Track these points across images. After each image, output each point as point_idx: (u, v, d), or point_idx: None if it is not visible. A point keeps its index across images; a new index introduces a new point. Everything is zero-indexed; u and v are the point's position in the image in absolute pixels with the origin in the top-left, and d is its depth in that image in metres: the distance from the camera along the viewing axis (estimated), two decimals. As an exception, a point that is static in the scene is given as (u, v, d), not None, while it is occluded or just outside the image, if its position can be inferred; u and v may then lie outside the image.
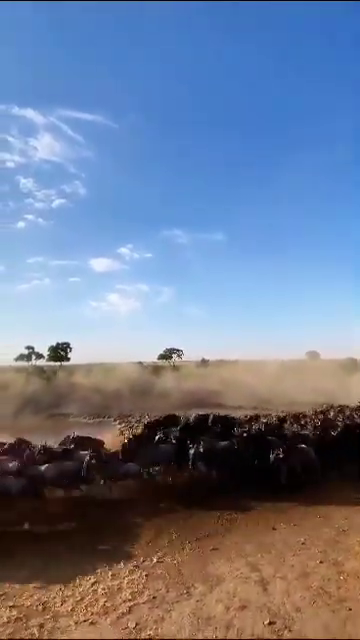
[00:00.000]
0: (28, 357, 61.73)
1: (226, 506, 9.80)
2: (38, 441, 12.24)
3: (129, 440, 13.46)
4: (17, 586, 6.61)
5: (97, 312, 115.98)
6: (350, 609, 5.72)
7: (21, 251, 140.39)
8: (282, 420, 15.76)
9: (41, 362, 61.70)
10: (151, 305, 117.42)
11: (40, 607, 6.00)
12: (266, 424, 14.43)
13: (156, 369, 56.68)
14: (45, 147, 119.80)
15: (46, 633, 5.39)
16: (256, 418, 16.12)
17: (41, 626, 5.53)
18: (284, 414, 18.01)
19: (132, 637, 5.26)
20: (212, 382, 43.28)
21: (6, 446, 12.05)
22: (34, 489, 9.72)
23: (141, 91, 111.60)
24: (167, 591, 6.34)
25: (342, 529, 8.54)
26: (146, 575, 6.85)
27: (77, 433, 14.57)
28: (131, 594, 6.26)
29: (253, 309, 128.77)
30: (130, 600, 6.10)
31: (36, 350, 62.21)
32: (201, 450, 11.35)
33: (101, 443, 13.67)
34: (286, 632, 5.25)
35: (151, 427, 14.62)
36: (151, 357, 68.01)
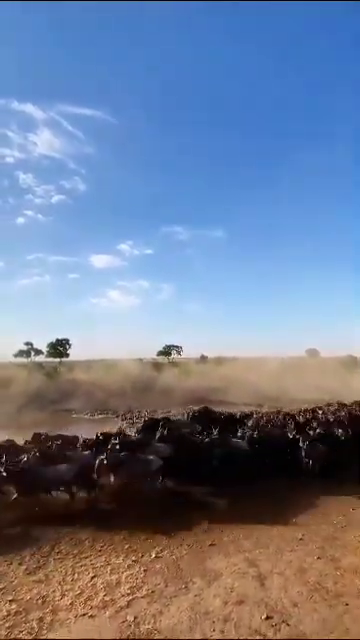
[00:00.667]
0: (27, 353, 61.82)
1: (224, 502, 9.86)
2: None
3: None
4: (17, 580, 6.68)
5: (97, 308, 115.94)
6: (347, 604, 5.78)
7: (20, 247, 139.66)
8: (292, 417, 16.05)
9: (40, 358, 61.79)
10: (151, 302, 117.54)
11: (40, 601, 6.06)
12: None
13: (156, 365, 56.81)
14: (45, 142, 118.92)
15: (45, 626, 5.45)
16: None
17: (40, 620, 5.58)
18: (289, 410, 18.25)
19: (130, 630, 5.30)
20: (215, 379, 43.44)
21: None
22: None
23: (141, 88, 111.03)
24: (165, 586, 6.40)
25: (340, 525, 8.60)
26: (145, 570, 6.90)
27: (45, 431, 14.72)
28: (130, 588, 6.32)
29: (253, 306, 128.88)
30: (129, 594, 6.16)
31: (35, 346, 62.33)
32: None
33: (75, 440, 13.48)
34: (283, 626, 5.30)
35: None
36: (150, 354, 68.09)
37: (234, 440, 12.49)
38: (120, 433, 13.98)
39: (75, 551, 7.64)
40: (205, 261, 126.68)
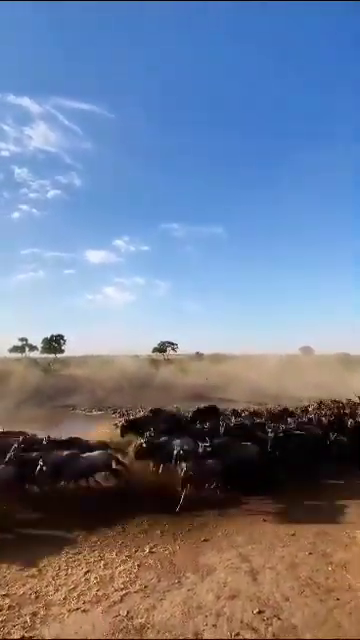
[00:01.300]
0: (21, 349, 61.59)
1: (217, 498, 9.91)
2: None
3: None
4: (10, 575, 6.68)
5: (92, 305, 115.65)
6: (338, 599, 5.85)
7: (15, 242, 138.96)
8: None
9: (35, 354, 61.59)
10: (147, 298, 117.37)
11: (33, 596, 6.07)
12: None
13: (153, 362, 56.82)
14: (40, 136, 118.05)
15: (38, 621, 5.46)
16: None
17: (34, 614, 5.60)
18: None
19: (124, 625, 5.34)
20: (212, 376, 43.53)
21: None
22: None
23: (139, 84, 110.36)
24: (159, 580, 6.44)
25: (331, 521, 8.69)
26: (138, 565, 6.94)
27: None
28: (123, 583, 6.35)
29: (248, 304, 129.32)
30: (122, 589, 6.19)
31: (30, 342, 62.09)
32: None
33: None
34: (275, 620, 5.36)
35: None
36: (146, 350, 68.07)
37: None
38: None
39: (68, 546, 7.66)
40: (202, 258, 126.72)
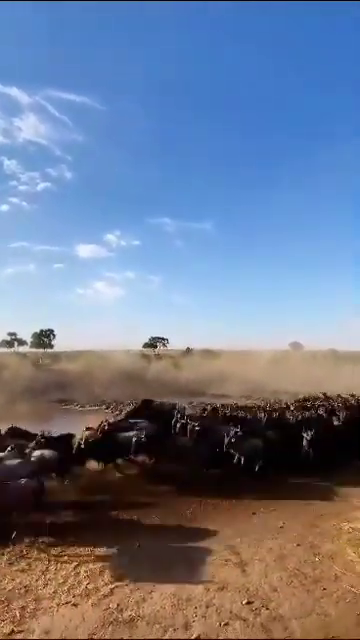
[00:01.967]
0: (10, 343, 60.99)
1: (207, 492, 10.00)
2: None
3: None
4: (-1, 570, 6.65)
5: (83, 300, 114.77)
6: (324, 589, 5.97)
7: (4, 235, 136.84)
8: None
9: (24, 349, 61.08)
10: (138, 293, 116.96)
11: (22, 590, 6.05)
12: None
13: (146, 357, 56.78)
14: (30, 128, 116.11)
15: (28, 615, 5.46)
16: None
17: (23, 608, 5.59)
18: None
19: (113, 617, 5.36)
20: (206, 372, 43.62)
21: None
22: None
23: (134, 78, 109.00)
24: (149, 573, 6.47)
25: (319, 514, 8.84)
26: (129, 558, 6.97)
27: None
28: (113, 576, 6.37)
29: (237, 300, 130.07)
30: (112, 582, 6.21)
31: (19, 336, 61.49)
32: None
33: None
34: (263, 610, 5.45)
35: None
36: (137, 345, 68.00)
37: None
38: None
39: (59, 540, 7.64)
40: (193, 253, 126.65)
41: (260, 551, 7.16)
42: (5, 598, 5.84)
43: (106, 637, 5.03)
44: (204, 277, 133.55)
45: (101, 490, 10.22)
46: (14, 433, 11.69)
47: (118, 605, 5.63)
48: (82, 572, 6.53)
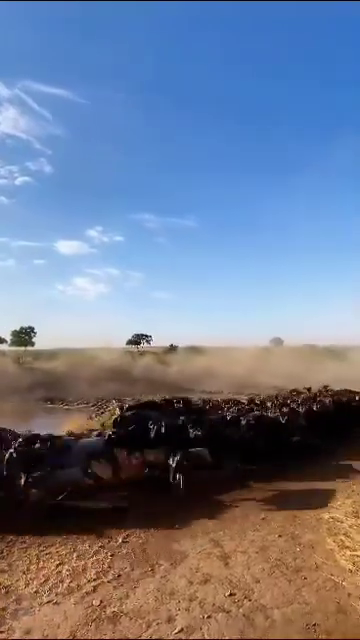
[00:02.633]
0: (-10, 341, 59.61)
1: (190, 485, 10.03)
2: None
3: None
4: (-22, 571, 6.50)
5: (64, 296, 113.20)
6: (305, 578, 6.09)
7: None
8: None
9: (3, 347, 59.87)
10: (120, 290, 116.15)
11: (2, 591, 5.94)
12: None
13: (131, 355, 56.54)
14: (9, 121, 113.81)
15: (9, 615, 5.36)
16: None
17: (3, 609, 5.48)
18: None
19: (96, 614, 5.33)
20: (192, 368, 43.76)
21: None
22: None
23: (113, 69, 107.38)
24: (132, 569, 6.47)
25: (300, 506, 9.01)
26: (111, 555, 6.94)
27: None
28: (96, 574, 6.33)
29: (219, 297, 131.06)
30: (95, 579, 6.17)
31: (-1, 334, 60.17)
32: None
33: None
34: (245, 601, 5.52)
35: None
36: (119, 343, 67.62)
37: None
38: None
39: (40, 539, 7.53)
40: (175, 249, 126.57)
41: (243, 543, 7.25)
42: (-16, 600, 5.72)
43: (89, 635, 5.00)
44: (187, 273, 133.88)
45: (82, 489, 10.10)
46: None
47: (101, 602, 5.60)
48: (64, 571, 6.45)
